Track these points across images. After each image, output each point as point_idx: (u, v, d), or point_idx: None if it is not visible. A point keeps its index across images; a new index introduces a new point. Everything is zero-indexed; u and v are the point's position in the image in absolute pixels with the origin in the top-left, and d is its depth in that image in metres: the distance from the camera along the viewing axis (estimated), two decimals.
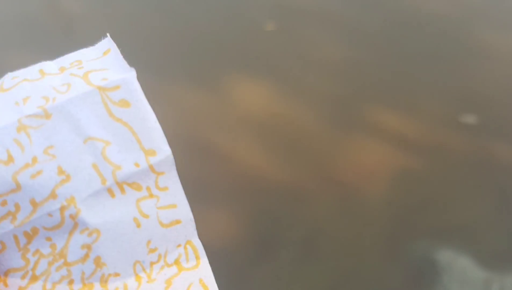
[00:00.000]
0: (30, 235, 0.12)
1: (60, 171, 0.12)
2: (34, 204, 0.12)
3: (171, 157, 0.13)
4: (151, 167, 0.13)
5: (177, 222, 0.13)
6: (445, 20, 0.99)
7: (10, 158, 0.12)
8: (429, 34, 0.94)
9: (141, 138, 0.12)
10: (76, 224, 0.12)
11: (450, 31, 0.97)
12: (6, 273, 0.12)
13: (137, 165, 0.12)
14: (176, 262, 0.13)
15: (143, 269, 0.13)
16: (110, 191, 0.12)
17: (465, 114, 0.78)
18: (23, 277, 0.12)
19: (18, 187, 0.12)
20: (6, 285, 0.12)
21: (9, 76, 0.13)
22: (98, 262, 0.12)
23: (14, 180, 0.12)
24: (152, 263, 0.13)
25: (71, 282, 0.12)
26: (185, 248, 0.13)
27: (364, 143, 0.74)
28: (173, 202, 0.13)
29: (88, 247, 0.12)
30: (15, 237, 0.12)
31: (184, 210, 0.13)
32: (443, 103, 0.82)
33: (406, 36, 0.93)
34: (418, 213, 0.67)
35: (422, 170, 0.72)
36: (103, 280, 0.12)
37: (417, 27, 0.95)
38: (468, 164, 0.73)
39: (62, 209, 0.12)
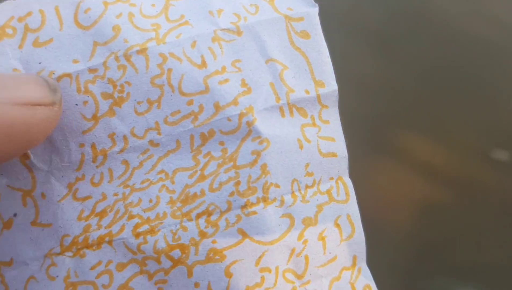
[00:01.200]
0: (206, 137, 0.13)
1: (243, 84, 0.13)
2: (217, 107, 0.13)
3: (337, 92, 0.14)
4: (318, 97, 0.14)
5: (334, 155, 0.14)
6: (493, 46, 0.97)
7: (204, 63, 0.13)
8: (473, 59, 0.92)
9: (314, 69, 0.14)
10: (250, 131, 0.13)
11: (496, 58, 0.95)
12: (174, 171, 0.13)
13: (307, 92, 0.14)
14: (328, 192, 0.14)
15: (299, 189, 0.14)
16: (281, 109, 0.14)
17: (497, 149, 0.75)
18: (191, 176, 0.13)
19: (206, 90, 0.13)
20: (173, 182, 0.13)
21: None
22: (264, 169, 0.13)
23: (204, 82, 0.13)
24: (307, 186, 0.14)
25: (237, 183, 0.13)
26: (336, 182, 0.14)
27: (389, 169, 0.72)
28: (332, 135, 0.14)
29: (258, 153, 0.13)
30: (192, 137, 0.13)
31: (340, 146, 0.15)
32: (477, 135, 0.80)
33: (448, 57, 0.91)
34: (439, 248, 0.65)
35: (448, 203, 0.69)
36: (265, 187, 0.13)
37: (462, 49, 0.93)
38: (497, 202, 0.70)
39: (241, 115, 0.13)
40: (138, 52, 0.12)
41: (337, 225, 0.14)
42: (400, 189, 0.69)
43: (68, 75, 0.12)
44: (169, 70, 0.12)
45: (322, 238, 0.14)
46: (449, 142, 0.77)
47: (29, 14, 0.12)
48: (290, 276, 0.13)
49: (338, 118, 0.14)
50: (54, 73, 0.12)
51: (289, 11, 0.13)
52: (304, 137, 0.14)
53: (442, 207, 0.68)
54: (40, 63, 0.12)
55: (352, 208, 0.15)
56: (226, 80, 0.13)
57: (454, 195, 0.70)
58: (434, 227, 0.66)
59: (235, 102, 0.13)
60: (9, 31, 0.12)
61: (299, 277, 0.13)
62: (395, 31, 0.94)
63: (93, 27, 0.12)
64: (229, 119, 0.13)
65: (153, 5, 0.13)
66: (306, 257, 0.14)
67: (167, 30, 0.13)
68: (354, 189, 0.63)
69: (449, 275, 0.64)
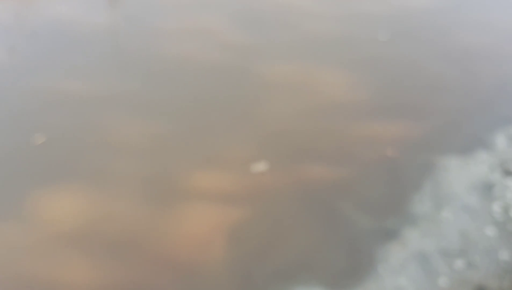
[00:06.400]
0: None
1: None
2: None
3: None
4: None
5: None
6: (222, 69, 1.07)
7: None
8: (216, 83, 1.03)
9: None
10: None
11: (228, 76, 1.05)
12: None
13: None
14: None
15: None
16: None
17: (257, 162, 0.84)
18: None
19: None
20: None
21: None
22: None
23: None
24: None
25: None
26: None
27: (188, 211, 0.75)
28: None
29: None
30: None
31: None
32: (242, 150, 0.86)
33: (196, 94, 1.00)
34: (259, 260, 0.69)
35: (251, 219, 0.75)
36: None
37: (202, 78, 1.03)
38: (288, 200, 0.79)
39: None
40: None
41: None
42: (205, 222, 0.73)
43: None
44: None
45: None
46: (229, 164, 0.83)
47: None
48: None
49: None
50: None
51: None
52: None
53: (247, 223, 0.73)
54: None
55: None
56: None
57: (253, 209, 0.76)
58: (247, 242, 0.70)
59: None
60: None
61: None
62: (146, 91, 0.99)
63: None
64: None
65: None
66: None
67: None
68: (164, 245, 0.71)
69: (276, 280, 0.67)
